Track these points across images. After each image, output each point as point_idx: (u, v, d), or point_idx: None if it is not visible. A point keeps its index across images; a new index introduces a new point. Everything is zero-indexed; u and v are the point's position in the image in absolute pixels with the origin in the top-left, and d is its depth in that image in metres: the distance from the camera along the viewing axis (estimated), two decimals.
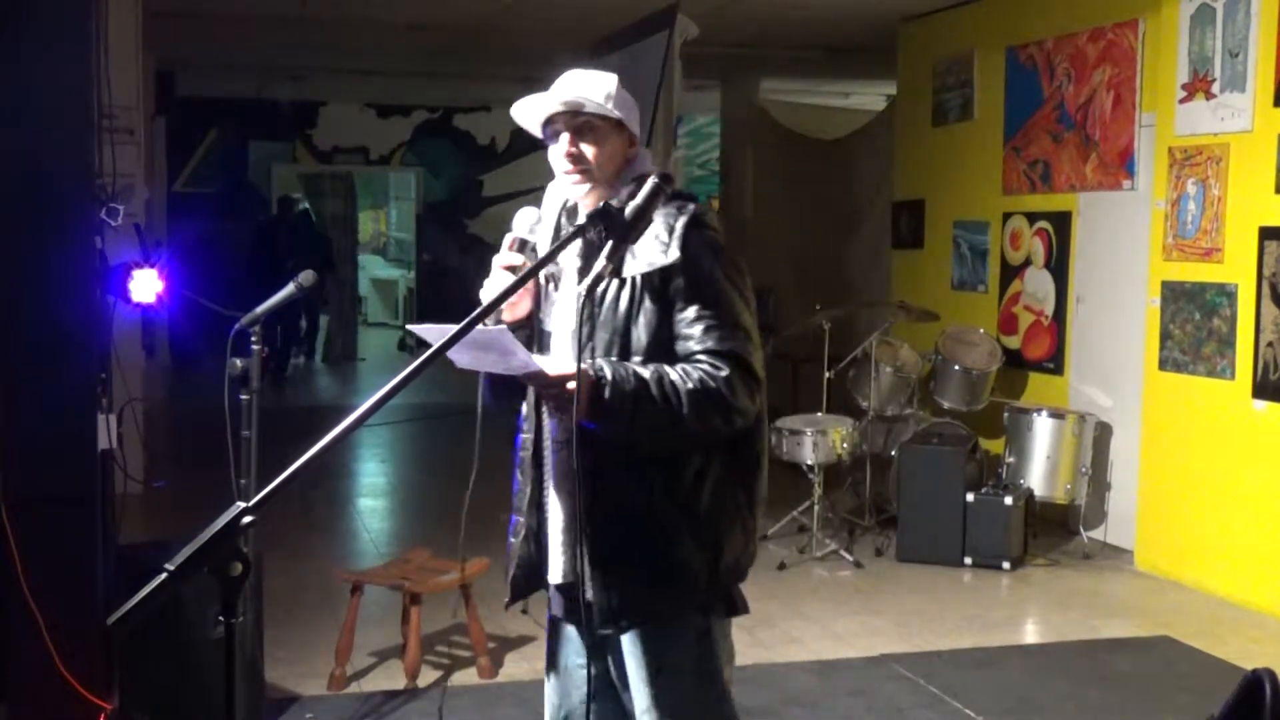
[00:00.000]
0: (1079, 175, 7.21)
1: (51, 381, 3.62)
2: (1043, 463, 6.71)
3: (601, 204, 2.30)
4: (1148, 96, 6.70)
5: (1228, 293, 6.02)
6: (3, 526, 3.50)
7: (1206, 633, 5.55)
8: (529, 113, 2.64)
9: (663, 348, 2.43)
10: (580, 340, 2.30)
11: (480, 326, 2.20)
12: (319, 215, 15.59)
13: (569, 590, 2.57)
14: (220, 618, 1.76)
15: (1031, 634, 5.77)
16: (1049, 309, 7.48)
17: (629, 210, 2.29)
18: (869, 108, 12.17)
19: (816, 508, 6.66)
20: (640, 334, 2.43)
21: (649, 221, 2.36)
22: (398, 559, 5.38)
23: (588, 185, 2.54)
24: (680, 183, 2.66)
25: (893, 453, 7.05)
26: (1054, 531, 7.09)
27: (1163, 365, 6.42)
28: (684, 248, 2.40)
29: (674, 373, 2.37)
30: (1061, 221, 7.37)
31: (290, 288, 3.93)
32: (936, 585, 6.27)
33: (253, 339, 3.84)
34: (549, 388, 2.37)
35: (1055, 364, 7.43)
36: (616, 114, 2.53)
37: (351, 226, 16.11)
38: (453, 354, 2.34)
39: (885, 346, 7.33)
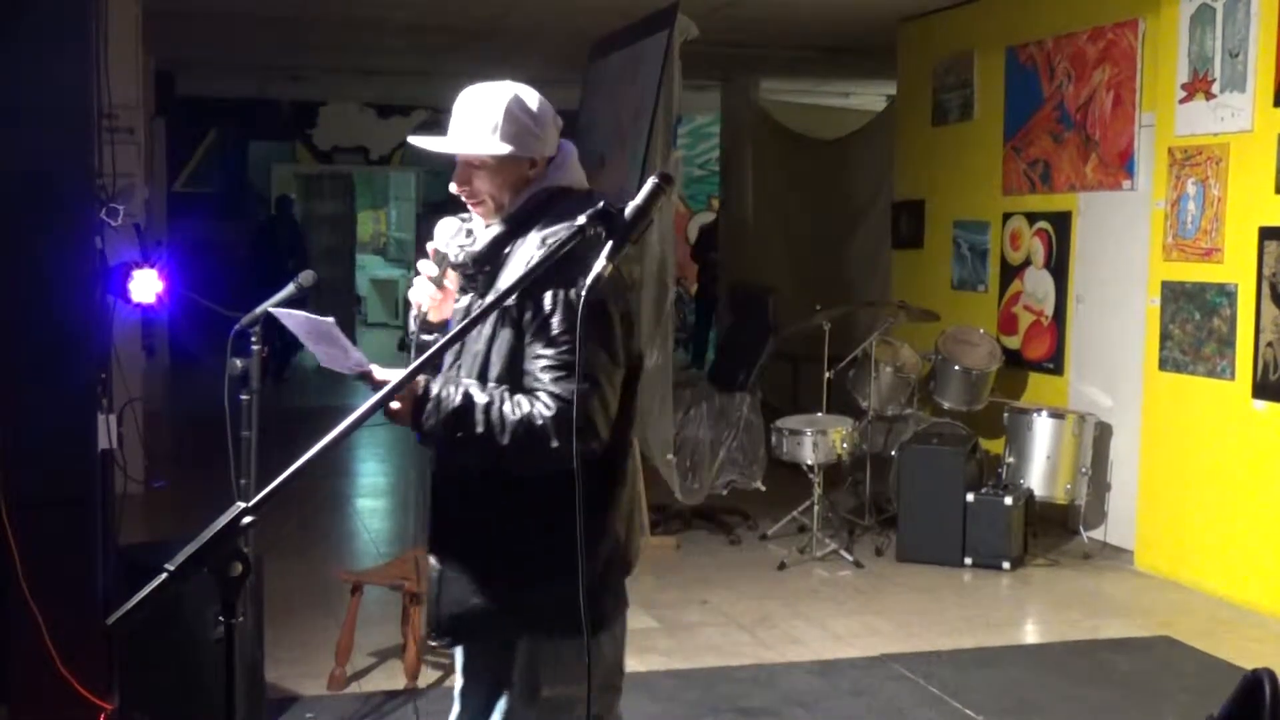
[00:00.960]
0: (1079, 175, 7.21)
1: (51, 381, 3.62)
2: (1043, 463, 6.71)
3: (602, 205, 2.30)
4: (1148, 96, 6.70)
5: (1228, 293, 6.02)
6: (3, 526, 3.51)
7: (1206, 633, 5.55)
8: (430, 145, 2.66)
9: (515, 375, 2.45)
10: (578, 342, 2.30)
11: (315, 316, 2.38)
12: (319, 215, 15.59)
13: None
14: (220, 618, 1.76)
15: (1031, 634, 5.77)
16: (1049, 309, 7.48)
17: (629, 211, 2.29)
18: (869, 108, 12.17)
19: (816, 508, 6.66)
20: (495, 359, 2.46)
21: (650, 220, 2.36)
22: (398, 559, 5.38)
23: (485, 210, 2.61)
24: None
25: (893, 453, 7.04)
26: (1054, 531, 7.09)
27: (1163, 365, 6.42)
28: (539, 279, 2.31)
29: (508, 402, 2.40)
30: (1061, 221, 7.37)
31: (290, 288, 3.93)
32: (936, 585, 6.27)
33: (253, 339, 3.83)
34: (376, 392, 2.35)
35: (1055, 364, 7.43)
36: (498, 153, 2.53)
37: (351, 226, 16.11)
38: (313, 349, 2.54)
39: (885, 346, 7.33)
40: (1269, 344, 5.82)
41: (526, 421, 2.39)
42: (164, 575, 1.70)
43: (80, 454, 3.71)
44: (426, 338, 2.66)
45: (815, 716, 4.57)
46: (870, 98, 12.52)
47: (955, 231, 8.36)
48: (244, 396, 3.85)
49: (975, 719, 4.57)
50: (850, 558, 6.54)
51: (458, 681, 2.76)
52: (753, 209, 11.80)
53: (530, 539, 2.49)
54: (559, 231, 2.44)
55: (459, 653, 2.73)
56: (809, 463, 6.59)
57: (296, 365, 13.92)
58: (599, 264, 2.26)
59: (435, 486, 2.61)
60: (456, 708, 2.75)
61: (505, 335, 2.46)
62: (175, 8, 8.51)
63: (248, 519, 1.74)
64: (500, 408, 2.40)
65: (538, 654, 2.57)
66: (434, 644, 2.68)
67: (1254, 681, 2.67)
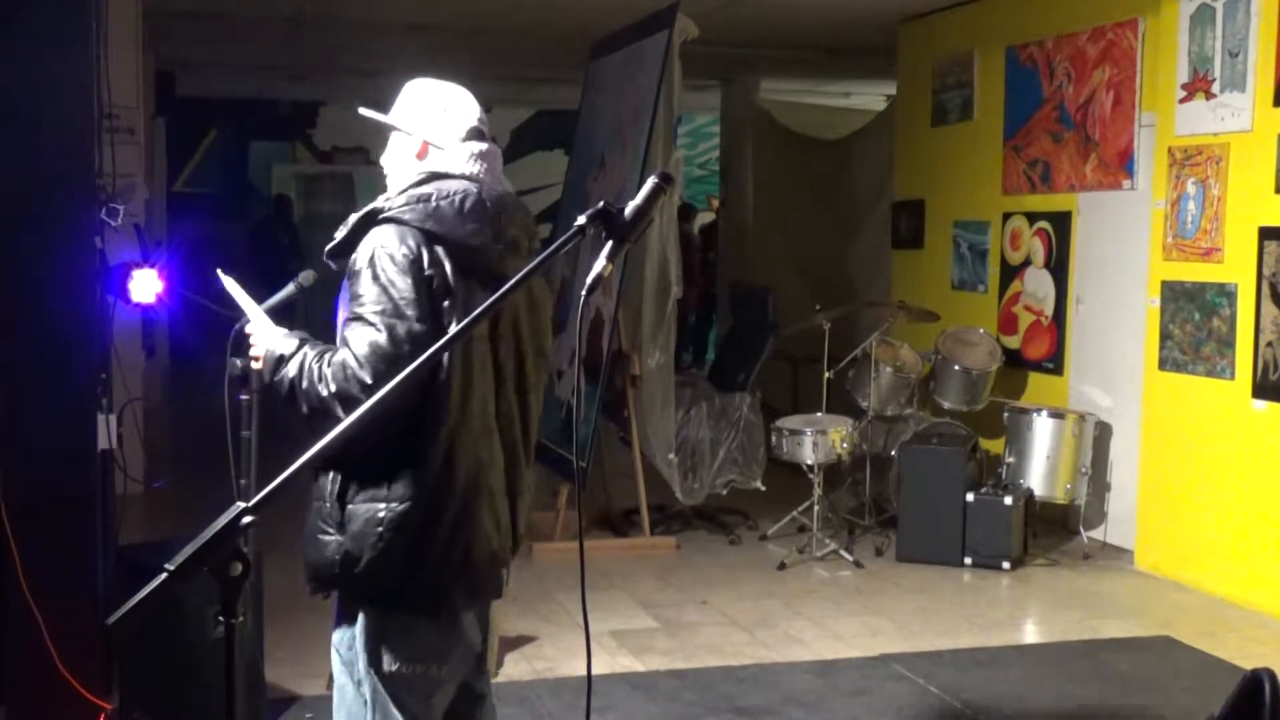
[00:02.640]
0: (1079, 175, 7.21)
1: (51, 381, 3.62)
2: (1043, 463, 6.71)
3: (601, 204, 2.30)
4: (1148, 96, 6.70)
5: (1228, 293, 6.02)
6: (3, 526, 3.50)
7: (1206, 633, 5.55)
8: None
9: None
10: (579, 332, 2.32)
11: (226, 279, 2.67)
12: (319, 215, 15.56)
13: None
14: (220, 618, 1.76)
15: (1031, 634, 5.77)
16: (1049, 309, 7.48)
17: (629, 210, 2.29)
18: (869, 108, 12.17)
19: (816, 508, 6.66)
20: (339, 322, 2.60)
21: (650, 220, 2.35)
22: None
23: (392, 182, 2.78)
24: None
25: (893, 453, 7.04)
26: (1054, 531, 7.09)
27: (1163, 365, 6.42)
28: (344, 244, 2.60)
29: (322, 354, 2.53)
30: (1061, 221, 7.37)
31: (290, 287, 3.93)
32: (936, 585, 6.27)
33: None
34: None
35: (1055, 364, 7.43)
36: (387, 121, 2.78)
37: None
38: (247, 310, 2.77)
39: (885, 346, 7.33)
40: (1269, 344, 5.82)
41: (319, 369, 2.48)
42: (164, 575, 1.70)
43: (80, 454, 3.70)
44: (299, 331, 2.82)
45: (815, 716, 4.57)
46: (870, 98, 12.52)
47: (955, 231, 8.36)
48: (244, 396, 3.84)
49: (975, 719, 4.57)
50: (850, 558, 6.54)
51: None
52: (753, 209, 11.80)
53: (350, 497, 2.55)
54: (389, 200, 2.62)
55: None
56: (809, 463, 6.59)
57: None
58: (599, 263, 2.26)
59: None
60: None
61: (344, 296, 2.60)
62: (175, 8, 8.51)
63: (248, 519, 1.74)
64: (315, 359, 2.51)
65: (379, 623, 2.61)
66: (307, 591, 2.71)
67: (1254, 681, 2.68)
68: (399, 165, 2.77)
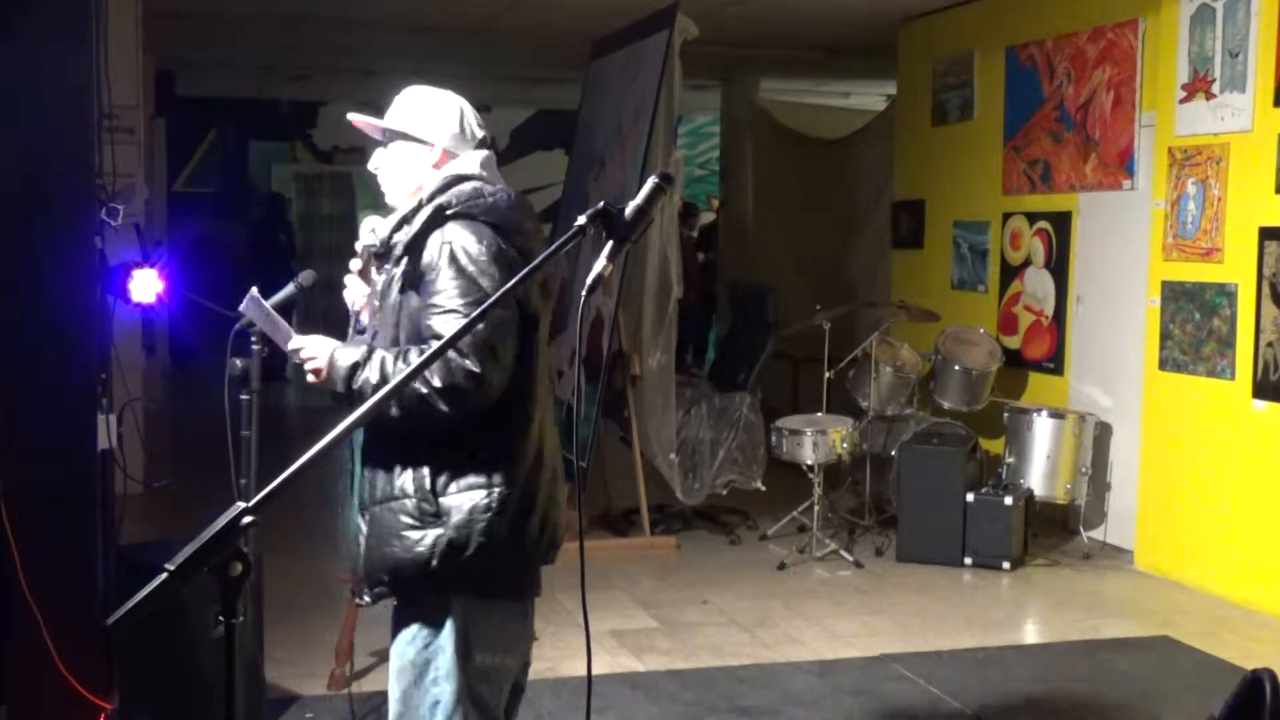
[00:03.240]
0: (1079, 175, 7.21)
1: (51, 381, 3.62)
2: (1043, 463, 6.71)
3: (601, 204, 2.30)
4: (1148, 96, 6.70)
5: (1228, 293, 6.02)
6: (3, 526, 3.50)
7: (1206, 633, 5.55)
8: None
9: (417, 335, 2.59)
10: (580, 332, 2.33)
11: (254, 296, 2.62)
12: (319, 215, 15.58)
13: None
14: (220, 618, 1.76)
15: (1031, 634, 5.77)
16: (1049, 309, 7.48)
17: (629, 210, 2.29)
18: (869, 108, 12.17)
19: (816, 508, 6.66)
20: (402, 324, 2.60)
21: (650, 220, 2.35)
22: None
23: (391, 192, 2.78)
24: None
25: (893, 453, 7.04)
26: (1054, 531, 7.09)
27: (1163, 365, 6.42)
28: (417, 241, 2.58)
29: (402, 354, 2.53)
30: (1061, 221, 7.37)
31: (290, 287, 3.93)
32: (936, 585, 6.27)
33: (253, 339, 3.83)
34: (299, 359, 2.67)
35: (1055, 364, 7.43)
36: (393, 127, 2.79)
37: (351, 227, 16.09)
38: (270, 333, 2.79)
39: (885, 346, 7.33)
40: (1269, 344, 5.82)
41: (407, 370, 2.44)
42: (164, 575, 1.70)
43: (80, 454, 3.70)
44: (362, 337, 2.79)
45: (815, 716, 4.57)
46: (870, 98, 12.52)
47: (955, 231, 8.36)
48: (244, 396, 3.84)
49: (975, 719, 4.57)
50: (850, 558, 6.54)
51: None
52: (753, 209, 11.80)
53: (440, 490, 2.55)
54: (443, 197, 2.62)
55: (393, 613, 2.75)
56: (809, 463, 6.59)
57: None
58: (599, 263, 2.26)
59: (364, 448, 2.71)
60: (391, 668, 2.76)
61: (405, 297, 2.59)
62: (175, 8, 8.51)
63: (248, 519, 1.74)
64: (394, 360, 2.51)
65: (470, 615, 2.59)
66: (360, 603, 2.70)
67: (1254, 681, 2.68)
68: (409, 173, 2.77)
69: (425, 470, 2.56)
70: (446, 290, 2.51)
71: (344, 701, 4.57)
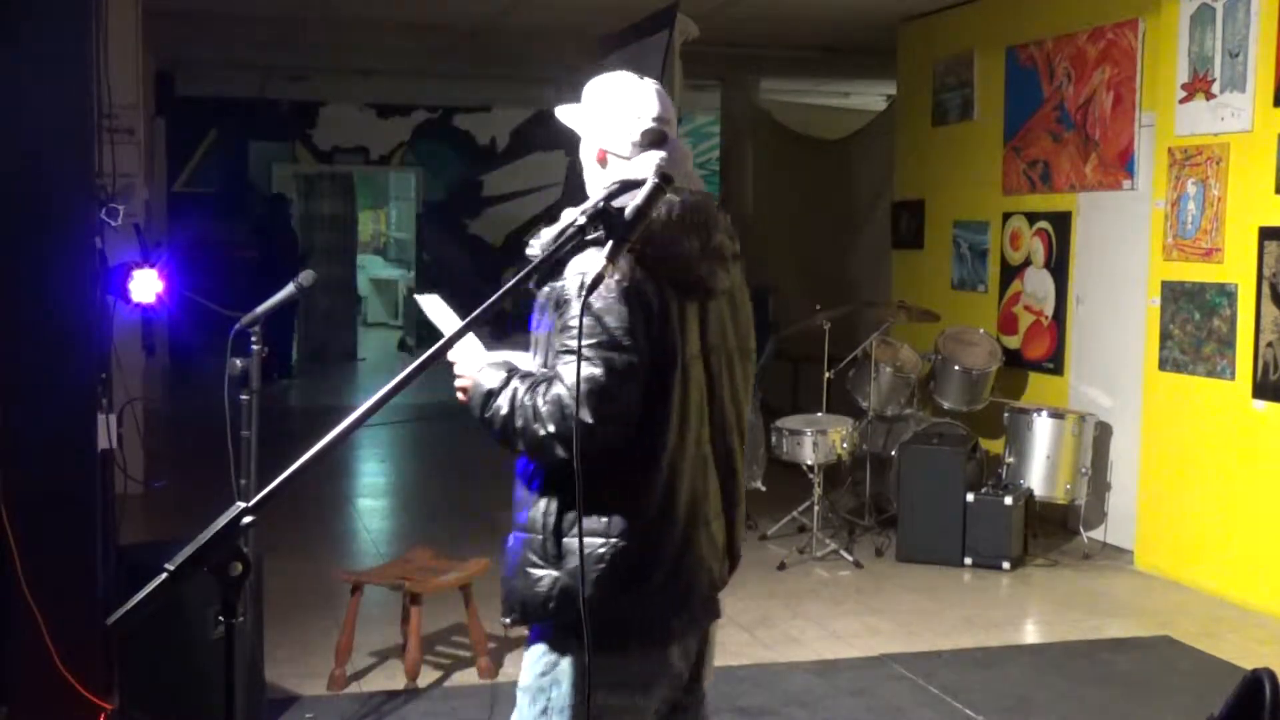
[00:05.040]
0: (1079, 175, 7.21)
1: (51, 381, 3.62)
2: (1043, 463, 6.71)
3: (601, 204, 2.30)
4: (1148, 96, 6.70)
5: (1228, 293, 6.02)
6: (3, 526, 3.50)
7: (1206, 633, 5.55)
8: None
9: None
10: (580, 339, 2.30)
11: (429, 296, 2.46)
12: (319, 215, 15.59)
13: None
14: (220, 618, 1.76)
15: (1031, 634, 5.77)
16: (1049, 309, 7.49)
17: (629, 210, 2.29)
18: (869, 108, 12.17)
19: (816, 508, 6.66)
20: (542, 349, 2.47)
21: (650, 220, 2.35)
22: (398, 559, 5.39)
23: (586, 186, 2.62)
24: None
25: (893, 453, 7.04)
26: (1054, 531, 7.09)
27: (1163, 365, 6.42)
28: (562, 264, 2.41)
29: (533, 388, 2.39)
30: (1061, 221, 7.37)
31: (290, 287, 3.93)
32: (936, 585, 6.27)
33: (253, 339, 3.83)
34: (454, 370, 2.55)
35: (1055, 364, 7.43)
36: (565, 118, 2.65)
37: (351, 226, 16.10)
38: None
39: (885, 346, 7.33)
40: (1269, 344, 5.82)
41: (534, 406, 2.36)
42: (164, 575, 1.70)
43: (80, 454, 3.70)
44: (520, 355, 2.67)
45: (815, 716, 4.57)
46: (870, 98, 12.52)
47: (955, 231, 8.36)
48: (244, 396, 3.85)
49: (975, 719, 4.57)
50: (850, 558, 6.54)
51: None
52: (753, 209, 11.79)
53: (565, 531, 2.44)
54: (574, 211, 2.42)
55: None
56: (809, 463, 6.59)
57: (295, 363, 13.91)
58: (599, 263, 2.26)
59: (516, 471, 2.58)
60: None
61: (547, 321, 2.45)
62: (175, 8, 8.51)
63: (248, 519, 1.74)
64: (525, 392, 2.38)
65: (559, 663, 2.51)
66: (504, 622, 2.60)
67: (1254, 681, 2.68)
68: (588, 173, 2.64)
69: (553, 507, 2.45)
70: (568, 328, 2.35)
71: (344, 701, 4.58)
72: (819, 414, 6.97)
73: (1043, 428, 6.72)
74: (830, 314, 7.06)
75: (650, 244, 2.38)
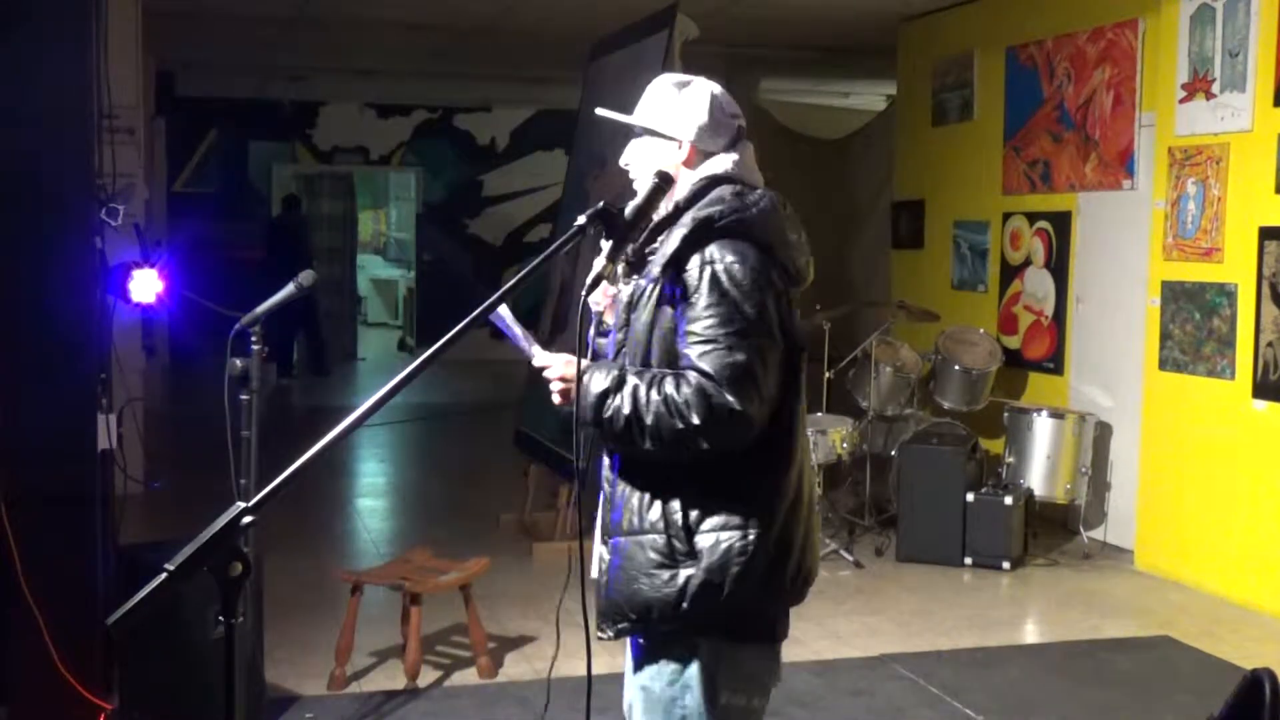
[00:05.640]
0: (1079, 175, 7.21)
1: (51, 381, 3.62)
2: (1043, 463, 6.71)
3: (601, 204, 2.30)
4: (1148, 96, 6.70)
5: (1228, 293, 6.02)
6: (3, 526, 3.50)
7: (1206, 633, 5.55)
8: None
9: (672, 357, 2.38)
10: (580, 332, 2.30)
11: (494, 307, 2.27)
12: (319, 215, 15.61)
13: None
14: (220, 618, 1.76)
15: (1031, 634, 5.77)
16: (1049, 309, 7.49)
17: (629, 210, 2.29)
18: (869, 108, 12.18)
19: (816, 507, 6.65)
20: (655, 344, 2.40)
21: (649, 220, 2.36)
22: (398, 559, 5.38)
23: (639, 189, 2.51)
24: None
25: (893, 453, 7.05)
26: (1054, 531, 7.09)
27: (1163, 365, 6.42)
28: (677, 259, 2.36)
29: (654, 383, 2.33)
30: (1061, 221, 7.37)
31: (290, 287, 3.93)
32: (936, 585, 6.27)
33: (253, 339, 3.83)
34: (544, 375, 2.46)
35: (1055, 364, 7.43)
36: (636, 122, 2.57)
37: (351, 226, 16.11)
38: (515, 343, 2.53)
39: (885, 346, 7.33)
40: (1269, 344, 5.82)
41: (669, 399, 2.29)
42: (164, 575, 1.70)
43: (80, 454, 3.70)
44: (603, 340, 2.60)
45: (815, 716, 4.57)
46: (870, 98, 12.52)
47: (955, 231, 8.36)
48: (244, 396, 3.85)
49: (975, 719, 4.57)
50: (850, 558, 6.54)
51: (628, 675, 2.62)
52: None
53: (696, 528, 2.38)
54: (710, 208, 2.41)
55: (629, 645, 2.58)
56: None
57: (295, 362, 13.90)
58: (598, 263, 2.26)
59: (610, 475, 2.49)
60: (626, 700, 2.63)
61: (663, 318, 2.38)
62: (175, 8, 8.51)
63: (248, 519, 1.74)
64: (647, 389, 2.32)
65: (718, 655, 2.45)
66: (601, 636, 2.49)
67: (1254, 681, 2.68)
68: (672, 173, 2.51)
69: (677, 504, 2.38)
70: (707, 318, 2.32)
71: (344, 701, 4.58)
72: (819, 414, 6.97)
73: (1043, 428, 6.72)
74: (830, 314, 7.06)
75: (770, 232, 2.44)
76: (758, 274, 2.37)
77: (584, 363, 2.40)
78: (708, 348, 2.31)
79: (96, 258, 3.79)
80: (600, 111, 2.66)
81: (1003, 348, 7.51)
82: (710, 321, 2.32)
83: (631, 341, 2.43)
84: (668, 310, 2.38)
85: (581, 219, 2.28)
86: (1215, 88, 6.06)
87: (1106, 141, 7.00)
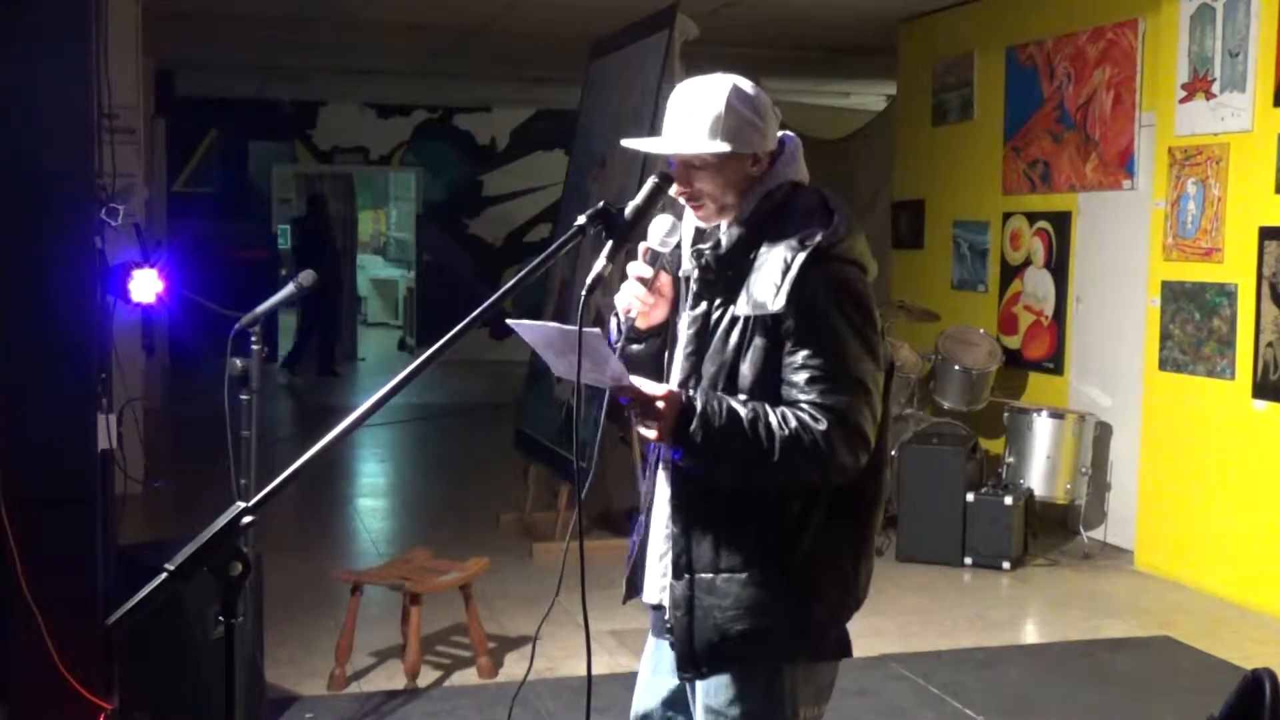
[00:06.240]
0: (1079, 175, 7.21)
1: (51, 381, 3.62)
2: (1043, 463, 6.71)
3: (601, 204, 2.30)
4: (1148, 96, 6.70)
5: (1228, 293, 6.02)
6: (3, 526, 3.50)
7: (1206, 633, 5.55)
8: (644, 146, 2.52)
9: (769, 388, 2.29)
10: (579, 348, 2.26)
11: (577, 329, 2.15)
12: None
13: (660, 611, 2.50)
14: (220, 618, 1.76)
15: (1031, 634, 5.77)
16: (1049, 309, 7.48)
17: (629, 210, 2.29)
18: (869, 108, 12.17)
19: None
20: (747, 371, 2.29)
21: (649, 221, 2.35)
22: (398, 559, 5.38)
23: (706, 213, 2.40)
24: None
25: (893, 453, 7.04)
26: (1054, 531, 7.09)
27: (1163, 365, 6.42)
28: (797, 289, 2.24)
29: (773, 415, 2.24)
30: (1061, 221, 7.37)
31: (290, 287, 3.93)
32: (936, 585, 6.27)
33: (253, 339, 3.83)
34: (639, 405, 2.26)
35: (1055, 364, 7.43)
36: (717, 150, 2.31)
37: (351, 226, 16.11)
38: (548, 359, 2.34)
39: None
40: (1269, 344, 5.82)
41: (795, 436, 2.22)
42: (164, 575, 1.70)
43: (80, 454, 3.70)
44: (635, 347, 2.46)
45: None
46: (870, 98, 12.52)
47: (955, 231, 8.36)
48: (244, 396, 3.84)
49: (975, 719, 4.57)
50: None
51: (655, 681, 2.58)
52: None
53: (804, 559, 2.34)
54: (816, 233, 2.29)
55: (665, 650, 2.49)
56: None
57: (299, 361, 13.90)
58: (599, 264, 2.26)
59: (680, 509, 2.38)
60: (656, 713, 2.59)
61: (759, 344, 2.28)
62: (175, 8, 8.51)
63: (248, 519, 1.74)
64: (766, 421, 2.22)
65: (781, 681, 2.41)
66: (685, 677, 2.42)
67: (1254, 681, 2.68)
68: (729, 186, 2.36)
69: (781, 536, 2.33)
70: (830, 353, 2.24)
71: (344, 701, 4.58)
72: None
73: (1043, 428, 6.72)
74: None
75: (852, 251, 2.34)
76: (867, 301, 2.32)
77: (678, 389, 2.28)
78: (828, 385, 2.24)
79: (96, 258, 3.79)
80: (654, 147, 2.43)
81: (1003, 348, 7.51)
82: (833, 357, 2.25)
83: (712, 364, 2.33)
84: (764, 339, 2.28)
85: (581, 219, 2.28)
86: (1215, 88, 6.06)
87: (1106, 141, 7.00)
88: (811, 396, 2.24)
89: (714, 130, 2.31)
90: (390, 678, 4.80)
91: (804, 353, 2.25)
